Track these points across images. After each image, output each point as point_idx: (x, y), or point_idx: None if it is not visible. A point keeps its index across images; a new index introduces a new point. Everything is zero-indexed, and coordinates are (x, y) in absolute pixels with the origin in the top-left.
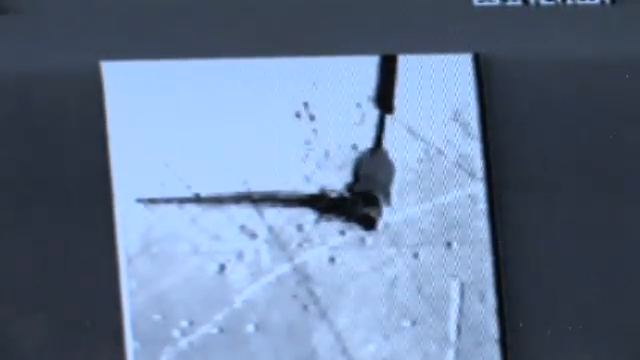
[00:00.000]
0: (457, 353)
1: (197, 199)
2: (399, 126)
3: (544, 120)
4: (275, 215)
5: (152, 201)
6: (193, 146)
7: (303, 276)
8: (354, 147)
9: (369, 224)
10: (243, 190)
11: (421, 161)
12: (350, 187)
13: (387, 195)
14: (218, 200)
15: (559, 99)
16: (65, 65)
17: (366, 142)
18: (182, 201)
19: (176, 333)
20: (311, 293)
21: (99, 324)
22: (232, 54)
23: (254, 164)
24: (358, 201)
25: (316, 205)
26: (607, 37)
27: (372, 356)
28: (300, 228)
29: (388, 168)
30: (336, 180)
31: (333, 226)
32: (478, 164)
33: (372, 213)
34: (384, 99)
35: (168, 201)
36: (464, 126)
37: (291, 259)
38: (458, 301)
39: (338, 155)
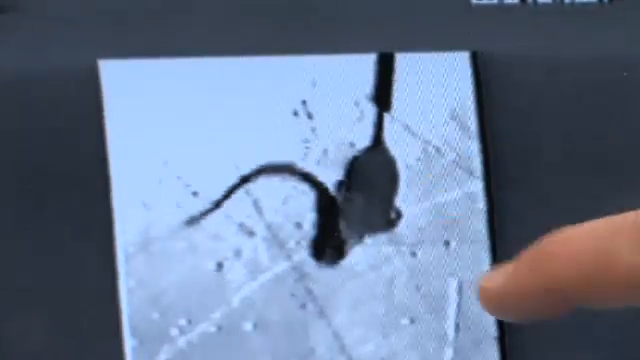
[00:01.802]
0: (456, 351)
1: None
2: (397, 125)
3: (543, 118)
4: (273, 213)
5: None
6: (191, 144)
7: (301, 274)
8: (352, 145)
9: (324, 257)
10: (242, 188)
11: (419, 160)
12: (340, 188)
13: (389, 206)
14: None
15: (558, 97)
16: (63, 64)
17: (364, 140)
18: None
19: (174, 331)
20: (309, 291)
21: (97, 322)
22: (230, 52)
23: (252, 162)
24: (336, 234)
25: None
26: (606, 36)
27: (370, 354)
28: (299, 226)
29: (390, 175)
30: (335, 178)
31: None
32: (477, 163)
33: (329, 255)
34: (382, 97)
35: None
36: (462, 125)
37: (289, 257)
38: (457, 299)
39: (337, 153)
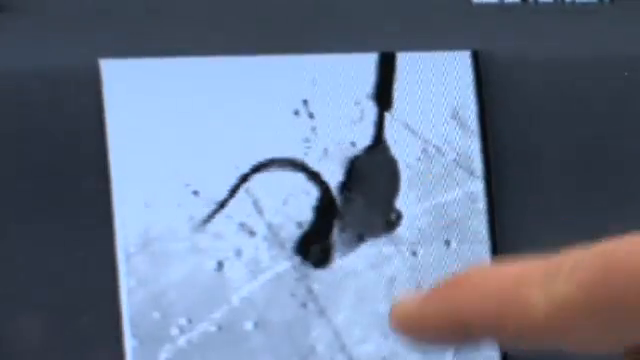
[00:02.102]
0: (456, 351)
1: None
2: (398, 124)
3: (543, 118)
4: (274, 213)
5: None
6: (192, 143)
7: (302, 274)
8: (353, 144)
9: (309, 257)
10: (242, 188)
11: (420, 159)
12: (342, 190)
13: (389, 207)
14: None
15: (558, 96)
16: (64, 63)
17: (365, 139)
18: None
19: (175, 331)
20: (310, 291)
21: (98, 322)
22: (231, 52)
23: (253, 162)
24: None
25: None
26: (605, 35)
27: (371, 354)
28: (299, 226)
29: (390, 175)
30: (335, 178)
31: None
32: (477, 162)
33: (313, 256)
34: (383, 97)
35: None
36: (463, 124)
37: (290, 257)
38: None
39: (337, 152)
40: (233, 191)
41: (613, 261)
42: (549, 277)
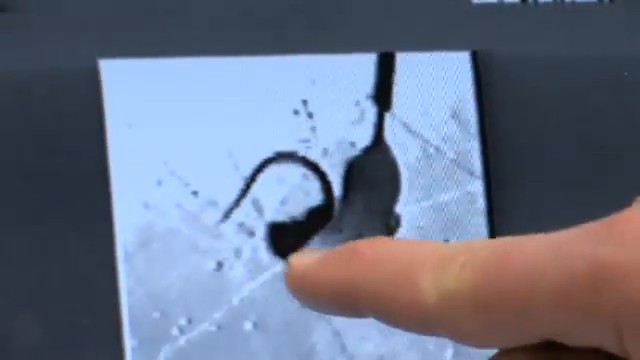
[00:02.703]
0: (456, 350)
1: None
2: (397, 124)
3: (543, 118)
4: (273, 213)
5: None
6: (191, 144)
7: None
8: (353, 145)
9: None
10: (241, 188)
11: (419, 159)
12: (342, 190)
13: (389, 211)
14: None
15: (557, 96)
16: (63, 63)
17: (365, 140)
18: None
19: (175, 331)
20: None
21: (97, 322)
22: (231, 52)
23: (252, 162)
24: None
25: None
26: (605, 35)
27: (371, 354)
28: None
29: (390, 176)
30: (335, 178)
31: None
32: (477, 162)
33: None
34: (382, 97)
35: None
36: (463, 124)
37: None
38: None
39: (336, 153)
40: (244, 192)
41: (501, 263)
42: (442, 267)
